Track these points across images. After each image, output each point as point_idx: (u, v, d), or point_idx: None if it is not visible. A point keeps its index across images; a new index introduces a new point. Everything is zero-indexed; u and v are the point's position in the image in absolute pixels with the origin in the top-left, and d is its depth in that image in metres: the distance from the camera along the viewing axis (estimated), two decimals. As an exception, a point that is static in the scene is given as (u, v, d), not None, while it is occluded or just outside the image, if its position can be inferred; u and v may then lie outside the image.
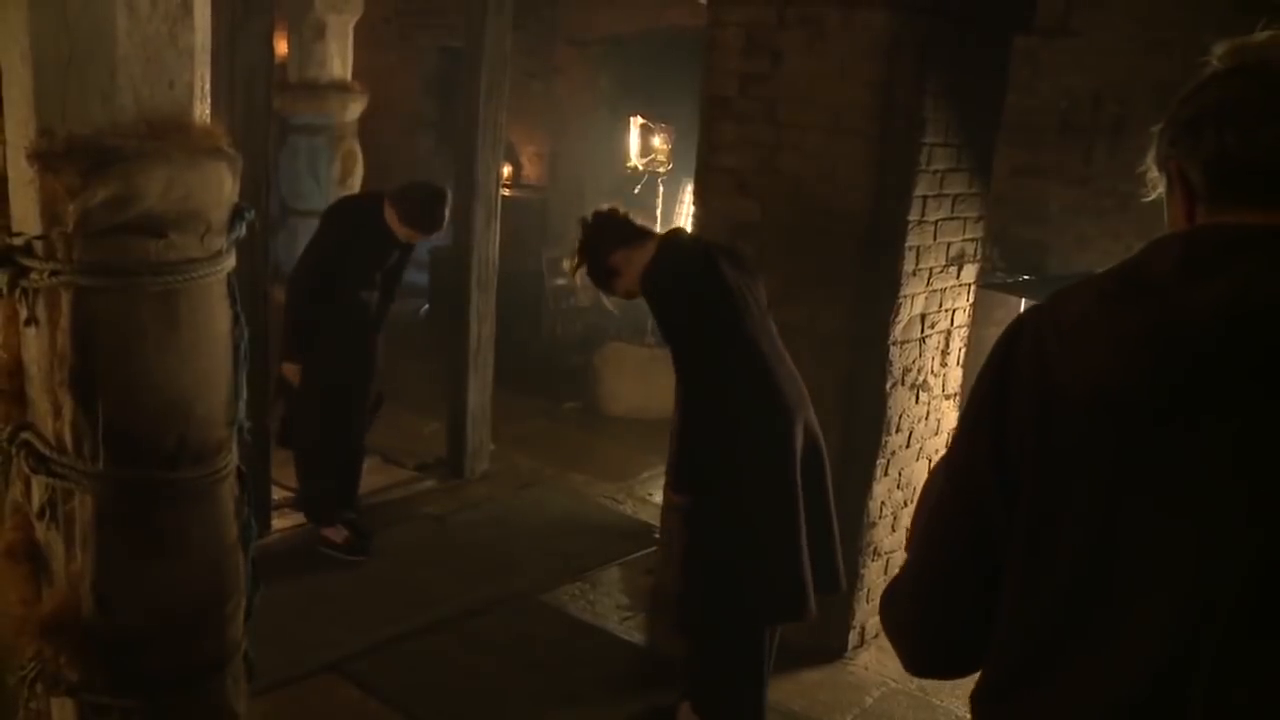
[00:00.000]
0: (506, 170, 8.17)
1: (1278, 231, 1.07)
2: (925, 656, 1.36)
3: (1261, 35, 1.10)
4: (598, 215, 3.22)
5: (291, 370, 4.36)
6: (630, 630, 4.11)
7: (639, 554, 4.70)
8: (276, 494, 4.75)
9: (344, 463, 4.62)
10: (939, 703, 3.66)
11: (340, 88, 7.18)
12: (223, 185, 1.54)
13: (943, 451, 1.32)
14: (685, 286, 2.99)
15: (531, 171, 8.70)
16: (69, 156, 1.37)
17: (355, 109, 7.32)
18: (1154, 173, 1.20)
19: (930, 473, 1.40)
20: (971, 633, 1.25)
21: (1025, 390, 1.14)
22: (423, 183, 4.44)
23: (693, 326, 2.98)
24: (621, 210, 3.24)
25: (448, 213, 4.39)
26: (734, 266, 3.05)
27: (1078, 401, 1.09)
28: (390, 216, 4.29)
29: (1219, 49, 1.13)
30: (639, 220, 3.22)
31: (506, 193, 7.47)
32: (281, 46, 7.09)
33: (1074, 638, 1.11)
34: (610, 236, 3.16)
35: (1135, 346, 1.06)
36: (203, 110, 1.57)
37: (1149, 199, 1.23)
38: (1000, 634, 1.20)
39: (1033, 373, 1.13)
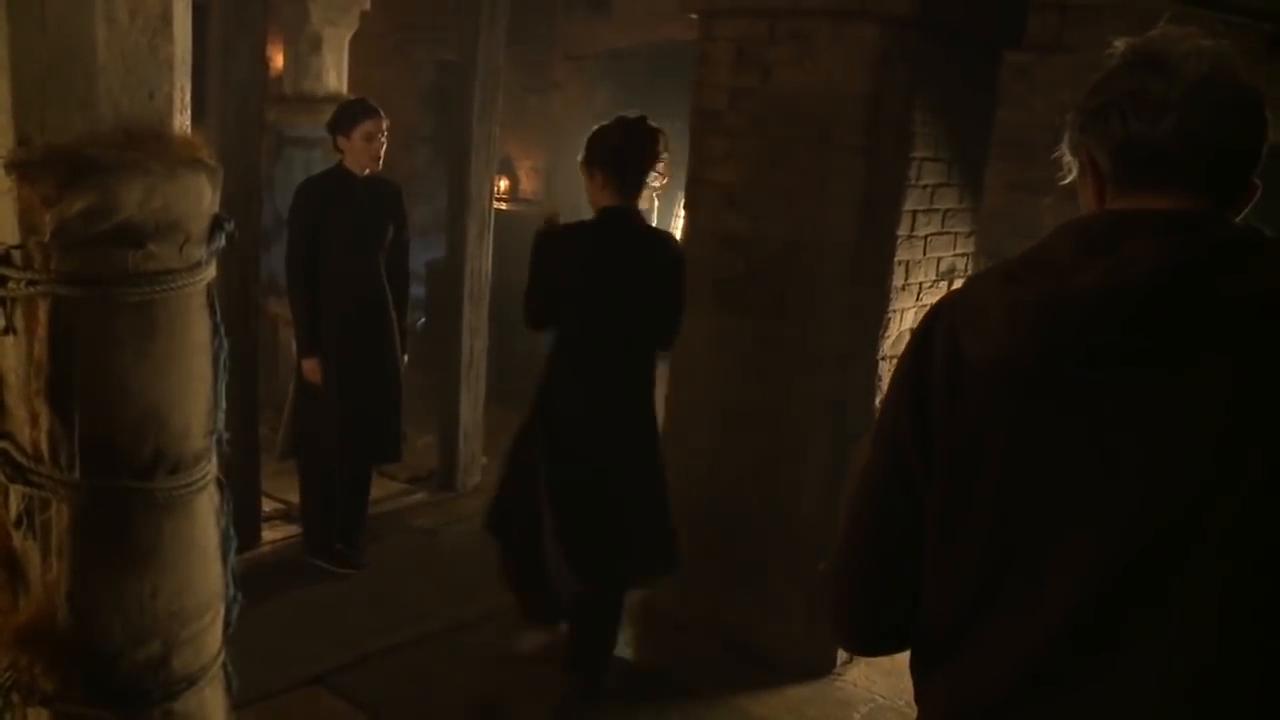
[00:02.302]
0: (504, 184, 8.17)
1: (1163, 214, 1.14)
2: (855, 629, 1.41)
3: (1157, 31, 1.18)
4: (632, 130, 3.42)
5: (311, 367, 4.26)
6: (618, 645, 4.09)
7: (630, 568, 4.68)
8: (267, 505, 4.74)
9: (347, 484, 4.51)
10: (928, 718, 3.64)
11: (336, 101, 7.17)
12: (202, 196, 1.54)
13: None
14: (558, 253, 3.32)
15: (529, 186, 8.70)
16: (46, 166, 1.37)
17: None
18: (1069, 158, 1.28)
19: (858, 456, 1.44)
20: (899, 604, 1.30)
21: (939, 367, 1.22)
22: None
23: (538, 282, 3.35)
24: (661, 149, 3.43)
25: (371, 104, 4.34)
26: (626, 253, 3.34)
27: (977, 373, 1.17)
28: (343, 148, 4.27)
29: (1121, 43, 1.20)
30: (634, 177, 3.43)
31: (503, 207, 7.47)
32: (278, 59, 7.11)
33: (995, 593, 1.18)
34: (602, 153, 3.39)
35: (1026, 319, 1.13)
36: (183, 121, 1.57)
37: (1065, 182, 1.30)
38: (927, 602, 1.27)
39: (945, 350, 1.21)
